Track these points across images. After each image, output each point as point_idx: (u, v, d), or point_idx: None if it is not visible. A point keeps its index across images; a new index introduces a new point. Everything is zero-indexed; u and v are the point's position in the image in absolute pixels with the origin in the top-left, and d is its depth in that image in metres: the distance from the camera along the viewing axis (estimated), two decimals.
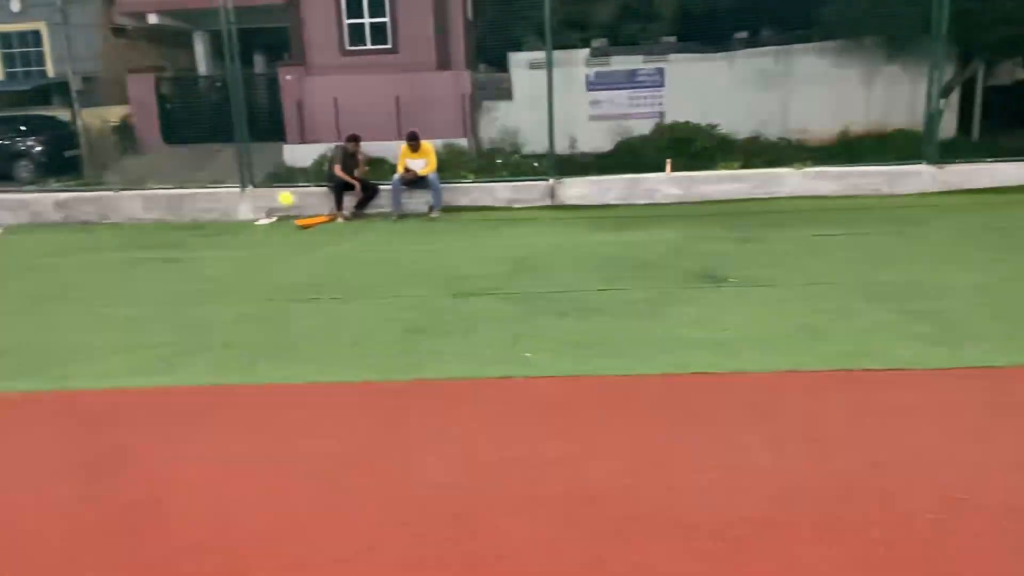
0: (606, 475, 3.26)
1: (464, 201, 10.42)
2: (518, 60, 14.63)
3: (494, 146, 14.08)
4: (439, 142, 11.78)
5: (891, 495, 2.99)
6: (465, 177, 11.06)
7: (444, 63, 14.72)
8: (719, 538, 2.78)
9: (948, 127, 12.92)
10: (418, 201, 10.33)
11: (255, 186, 10.71)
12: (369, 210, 10.34)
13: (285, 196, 5.02)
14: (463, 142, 13.51)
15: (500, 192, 10.53)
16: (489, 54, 16.42)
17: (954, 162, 10.12)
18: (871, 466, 3.22)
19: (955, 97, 13.43)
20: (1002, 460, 3.22)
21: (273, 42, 17.22)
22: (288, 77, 14.61)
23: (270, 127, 14.27)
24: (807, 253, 7.03)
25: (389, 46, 14.55)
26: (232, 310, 5.95)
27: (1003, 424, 3.55)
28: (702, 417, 3.77)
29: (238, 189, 10.61)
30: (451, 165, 11.53)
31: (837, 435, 3.51)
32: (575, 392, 4.17)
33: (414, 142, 10.22)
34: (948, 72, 12.26)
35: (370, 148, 11.23)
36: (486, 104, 14.78)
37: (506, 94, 14.75)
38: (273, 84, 15.05)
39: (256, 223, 10.16)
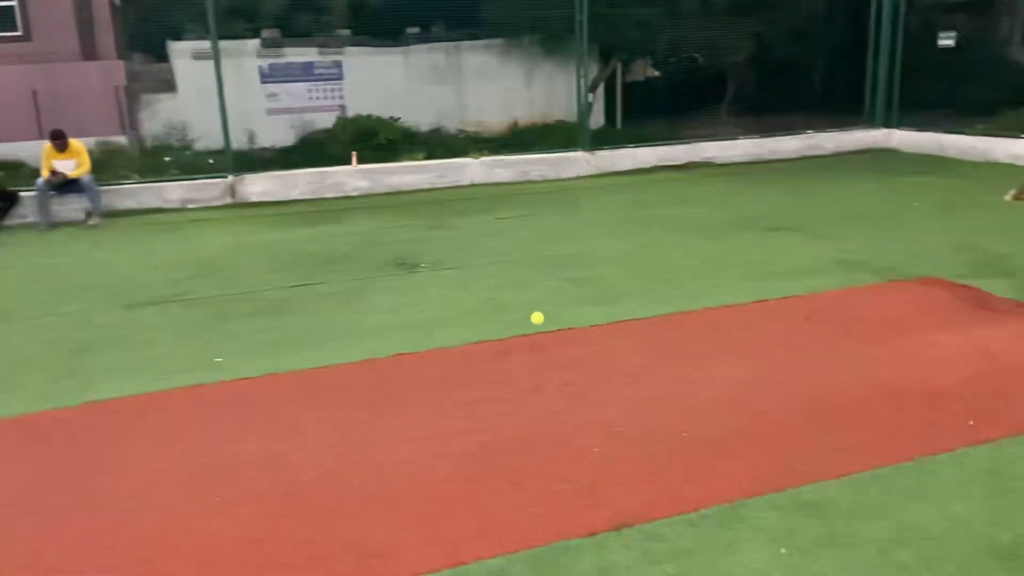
0: (312, 465, 3.25)
1: (129, 204, 9.45)
2: (179, 50, 13.48)
3: (160, 143, 12.85)
4: (92, 140, 10.46)
5: (566, 437, 3.40)
6: (128, 178, 10.00)
7: (90, 52, 13.11)
8: (425, 502, 2.93)
9: (597, 118, 14.69)
10: (72, 208, 9.12)
11: None
12: (9, 221, 8.89)
13: (537, 316, 4.34)
14: (121, 139, 12.16)
15: (172, 192, 9.72)
16: (145, 43, 14.91)
17: (603, 148, 11.61)
18: (550, 414, 3.63)
19: (601, 91, 15.31)
20: (648, 395, 3.83)
21: None
22: None
23: None
24: (488, 235, 7.58)
25: (19, 33, 12.55)
26: None
27: (648, 365, 4.21)
28: (402, 395, 3.92)
29: None
30: (109, 165, 10.30)
31: (520, 393, 3.88)
32: (274, 390, 4.06)
33: (60, 140, 8.98)
34: (593, 70, 13.96)
35: (2, 150, 9.63)
36: (147, 97, 13.40)
37: (169, 86, 13.53)
38: None
39: None
